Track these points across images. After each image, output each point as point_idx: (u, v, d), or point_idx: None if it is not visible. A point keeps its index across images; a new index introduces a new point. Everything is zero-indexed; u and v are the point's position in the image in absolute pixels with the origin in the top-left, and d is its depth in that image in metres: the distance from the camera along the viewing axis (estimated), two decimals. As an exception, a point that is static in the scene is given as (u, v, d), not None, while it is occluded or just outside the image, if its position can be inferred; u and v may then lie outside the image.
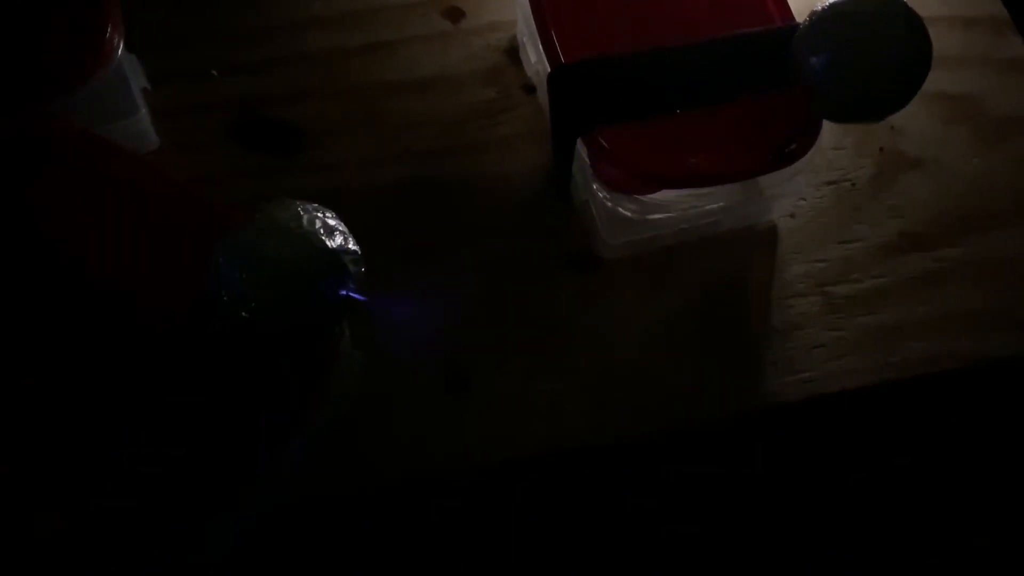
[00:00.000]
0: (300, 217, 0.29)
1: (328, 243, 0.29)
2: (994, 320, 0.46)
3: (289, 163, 0.48)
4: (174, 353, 0.32)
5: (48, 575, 0.32)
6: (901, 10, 0.37)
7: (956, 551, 0.51)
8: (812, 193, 0.49)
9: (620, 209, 0.44)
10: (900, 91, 0.37)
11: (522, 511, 0.45)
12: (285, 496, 0.38)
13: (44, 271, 0.35)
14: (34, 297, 0.35)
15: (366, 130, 0.49)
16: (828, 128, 0.50)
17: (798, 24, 0.39)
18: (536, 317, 0.45)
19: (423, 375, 0.43)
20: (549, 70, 0.42)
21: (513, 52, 0.51)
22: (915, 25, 0.37)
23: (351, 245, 0.30)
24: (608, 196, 0.43)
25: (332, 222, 0.30)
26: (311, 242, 0.28)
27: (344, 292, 0.29)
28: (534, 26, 0.45)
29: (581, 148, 0.44)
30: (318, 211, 0.30)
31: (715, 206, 0.45)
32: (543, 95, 0.49)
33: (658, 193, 0.42)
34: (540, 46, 0.44)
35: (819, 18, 0.37)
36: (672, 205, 0.44)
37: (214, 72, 0.50)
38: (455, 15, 0.52)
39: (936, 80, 0.52)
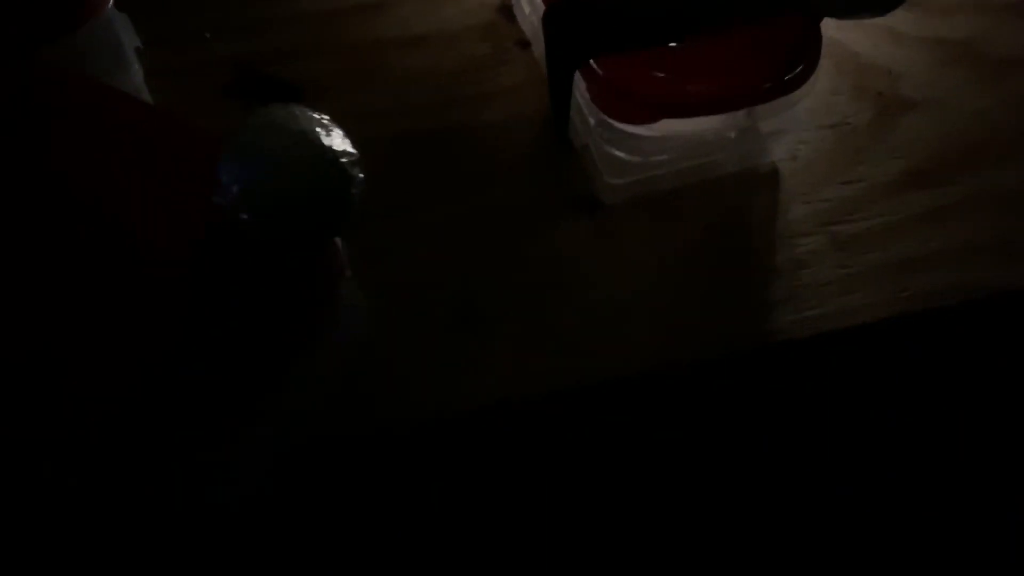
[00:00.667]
0: (298, 118, 0.28)
1: (327, 143, 0.28)
2: (1003, 252, 0.46)
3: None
4: (182, 283, 0.32)
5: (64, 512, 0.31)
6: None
7: (967, 482, 0.50)
8: (812, 136, 0.49)
9: (619, 150, 0.43)
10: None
11: (529, 449, 0.44)
12: (300, 433, 0.37)
13: (45, 209, 0.34)
14: (38, 235, 0.34)
15: (363, 85, 0.49)
16: (826, 73, 0.50)
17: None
18: (542, 258, 0.44)
19: (431, 315, 0.42)
20: (544, 9, 0.42)
21: (507, 9, 0.51)
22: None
23: (350, 148, 0.29)
24: (608, 137, 0.43)
25: (332, 127, 0.29)
26: (310, 140, 0.28)
27: (344, 193, 0.28)
28: (527, -26, 0.45)
29: (580, 91, 0.43)
30: (317, 115, 0.29)
31: (713, 143, 0.44)
32: (538, 49, 0.49)
33: (657, 129, 0.42)
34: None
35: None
36: (670, 143, 0.44)
37: (207, 34, 0.49)
38: (448, -24, 0.52)
39: (932, 26, 0.53)
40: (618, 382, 0.41)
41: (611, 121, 0.42)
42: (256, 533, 0.39)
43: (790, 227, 0.46)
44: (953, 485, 0.50)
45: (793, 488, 0.48)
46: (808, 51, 0.41)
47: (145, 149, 0.34)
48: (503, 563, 0.46)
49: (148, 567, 0.33)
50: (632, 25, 0.40)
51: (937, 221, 0.47)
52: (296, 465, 0.38)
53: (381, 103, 0.48)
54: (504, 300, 0.43)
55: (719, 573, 0.48)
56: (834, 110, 0.50)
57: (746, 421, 0.46)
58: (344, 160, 0.29)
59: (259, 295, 0.32)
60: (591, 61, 0.40)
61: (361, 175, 0.29)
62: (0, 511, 0.31)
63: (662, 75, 0.40)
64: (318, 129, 0.29)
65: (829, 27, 0.51)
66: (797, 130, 0.46)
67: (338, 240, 0.37)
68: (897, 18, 0.52)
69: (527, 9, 0.48)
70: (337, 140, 0.29)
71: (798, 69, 0.41)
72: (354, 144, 0.31)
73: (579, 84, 0.43)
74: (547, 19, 0.42)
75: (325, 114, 0.30)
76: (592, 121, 0.43)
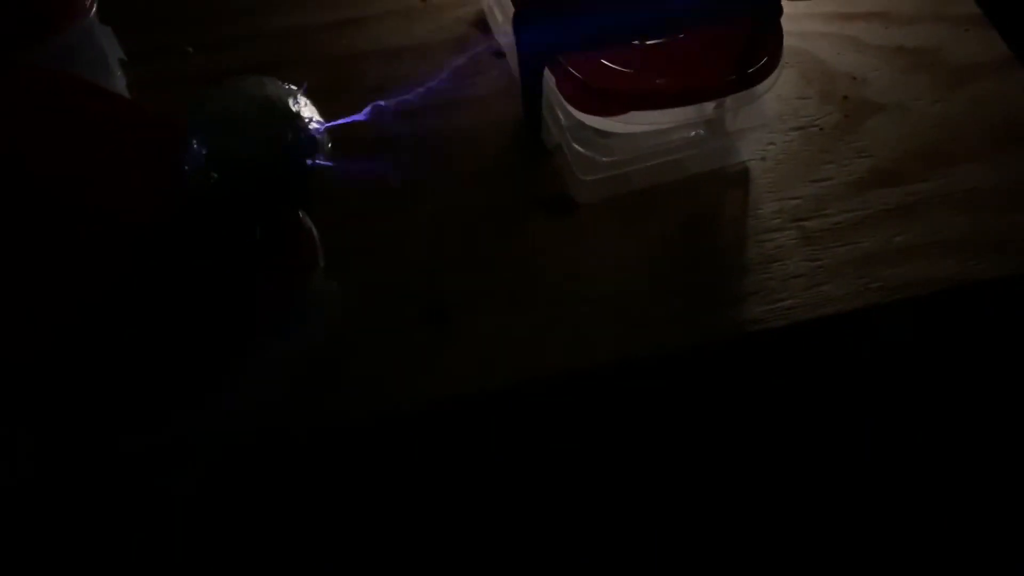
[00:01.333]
0: (266, 86, 0.29)
1: (295, 109, 0.29)
2: (966, 246, 0.47)
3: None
4: (159, 253, 0.32)
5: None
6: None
7: (935, 463, 0.50)
8: (781, 138, 0.50)
9: (591, 149, 0.44)
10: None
11: (501, 441, 0.44)
12: (264, 419, 0.37)
13: (32, 191, 0.35)
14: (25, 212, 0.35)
15: (340, 94, 0.49)
16: (793, 80, 0.52)
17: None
18: (516, 256, 0.45)
19: (402, 312, 0.43)
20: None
21: (481, 23, 0.53)
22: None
23: (317, 117, 0.30)
24: (580, 136, 0.44)
25: (300, 96, 0.30)
26: (278, 105, 0.29)
27: (311, 159, 0.29)
28: (499, -15, 0.46)
29: (552, 93, 0.45)
30: (286, 85, 0.30)
31: (682, 141, 0.45)
32: (511, 57, 0.50)
33: (627, 125, 0.43)
34: (505, 0, 0.45)
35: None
36: (641, 140, 0.45)
37: (189, 48, 0.51)
38: (423, -6, 0.54)
39: (894, 35, 0.54)
40: (589, 373, 0.42)
41: (583, 121, 0.43)
42: (216, 522, 0.39)
43: (761, 223, 0.47)
44: (922, 466, 0.50)
45: (769, 471, 0.48)
46: (770, 46, 0.43)
47: (119, 135, 0.35)
48: (469, 552, 0.46)
49: (105, 553, 0.33)
50: (597, 25, 0.42)
51: (901, 217, 0.48)
52: (257, 455, 0.38)
53: (356, 110, 0.49)
54: (475, 297, 0.43)
55: (691, 560, 0.48)
56: (801, 113, 0.51)
57: (721, 408, 0.47)
58: (312, 126, 0.29)
59: (231, 270, 0.33)
60: (560, 57, 0.42)
61: (329, 144, 0.30)
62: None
63: (630, 69, 0.42)
64: (287, 97, 0.29)
65: (796, 37, 0.53)
66: (764, 128, 0.48)
67: (313, 230, 0.37)
68: (860, 28, 0.55)
69: (500, 19, 0.50)
70: (305, 108, 0.30)
71: (760, 63, 0.42)
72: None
73: (551, 86, 0.44)
74: (517, 20, 0.43)
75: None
76: (564, 121, 0.45)
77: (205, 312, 0.33)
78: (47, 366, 0.32)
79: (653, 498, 0.47)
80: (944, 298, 0.46)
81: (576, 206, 0.47)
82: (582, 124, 0.44)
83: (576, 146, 0.45)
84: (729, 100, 0.43)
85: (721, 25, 0.43)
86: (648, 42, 0.42)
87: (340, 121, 0.31)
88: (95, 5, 0.44)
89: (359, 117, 0.31)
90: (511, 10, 0.45)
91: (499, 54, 0.52)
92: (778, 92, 0.50)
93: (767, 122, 0.47)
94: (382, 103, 0.44)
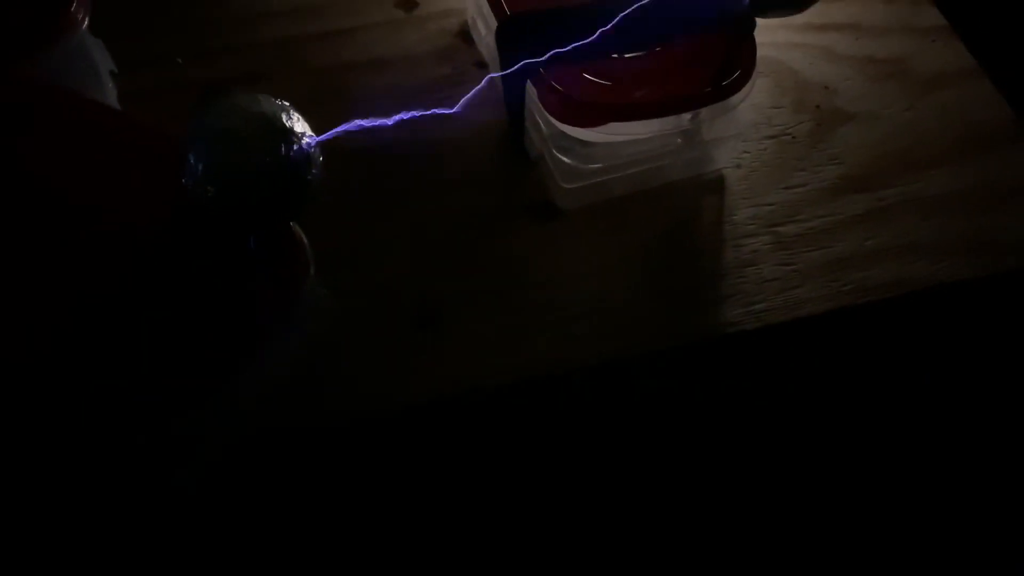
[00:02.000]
0: (260, 101, 0.30)
1: (288, 124, 0.30)
2: (934, 249, 0.49)
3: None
4: (155, 261, 0.33)
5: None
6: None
7: (912, 466, 0.52)
8: (755, 146, 0.52)
9: (572, 157, 0.46)
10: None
11: (490, 442, 0.45)
12: (257, 421, 0.38)
13: (29, 202, 0.36)
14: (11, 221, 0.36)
15: (327, 104, 0.51)
16: (767, 89, 0.54)
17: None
18: (499, 262, 0.46)
19: (391, 316, 0.44)
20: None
21: (465, 34, 0.54)
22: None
23: (309, 131, 0.31)
24: (561, 145, 0.46)
25: (293, 111, 0.31)
26: (272, 121, 0.30)
27: (304, 173, 0.30)
28: (483, -1, 0.48)
29: (534, 104, 0.46)
30: (279, 100, 0.31)
31: (661, 150, 0.47)
32: (495, 68, 0.51)
33: (607, 135, 0.45)
34: (488, 12, 0.47)
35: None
36: (620, 149, 0.46)
37: (179, 59, 0.52)
38: (408, 4, 0.55)
39: (865, 46, 0.56)
40: (572, 375, 0.43)
41: (564, 130, 0.45)
42: (210, 522, 0.40)
43: (736, 229, 0.49)
44: (896, 466, 0.52)
45: (748, 471, 0.50)
46: (743, 58, 0.44)
47: (114, 146, 0.36)
48: (461, 553, 0.47)
49: (95, 548, 0.34)
50: (577, 38, 0.43)
51: (873, 221, 0.49)
52: (253, 454, 0.39)
53: (342, 120, 0.50)
54: (461, 302, 0.45)
55: (675, 561, 0.49)
56: (775, 122, 0.53)
57: (700, 408, 0.48)
58: (304, 141, 0.31)
59: (225, 280, 0.34)
60: (542, 70, 0.43)
61: (320, 157, 0.31)
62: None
63: (609, 82, 0.43)
64: (280, 112, 0.31)
65: (770, 47, 0.55)
66: (739, 137, 0.49)
67: (304, 239, 0.39)
68: (833, 38, 0.56)
69: (483, 30, 0.51)
70: (298, 123, 0.31)
71: (734, 75, 0.44)
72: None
73: (533, 97, 0.46)
74: (500, 32, 0.45)
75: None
76: (547, 131, 0.46)
77: (198, 320, 0.34)
78: (40, 372, 0.33)
79: (636, 498, 0.49)
80: (914, 300, 0.47)
81: (559, 212, 0.48)
82: (563, 134, 0.45)
83: (558, 155, 0.46)
84: (705, 111, 0.45)
85: (697, 38, 0.44)
86: (626, 55, 0.44)
87: (330, 134, 0.33)
88: (87, 19, 0.44)
89: (347, 127, 0.33)
90: (494, 23, 0.46)
91: (483, 65, 0.53)
92: (753, 101, 0.52)
93: (742, 131, 0.49)
94: (366, 116, 0.45)
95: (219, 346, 0.35)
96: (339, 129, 0.32)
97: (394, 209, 0.47)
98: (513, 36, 0.44)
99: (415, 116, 0.36)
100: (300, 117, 0.31)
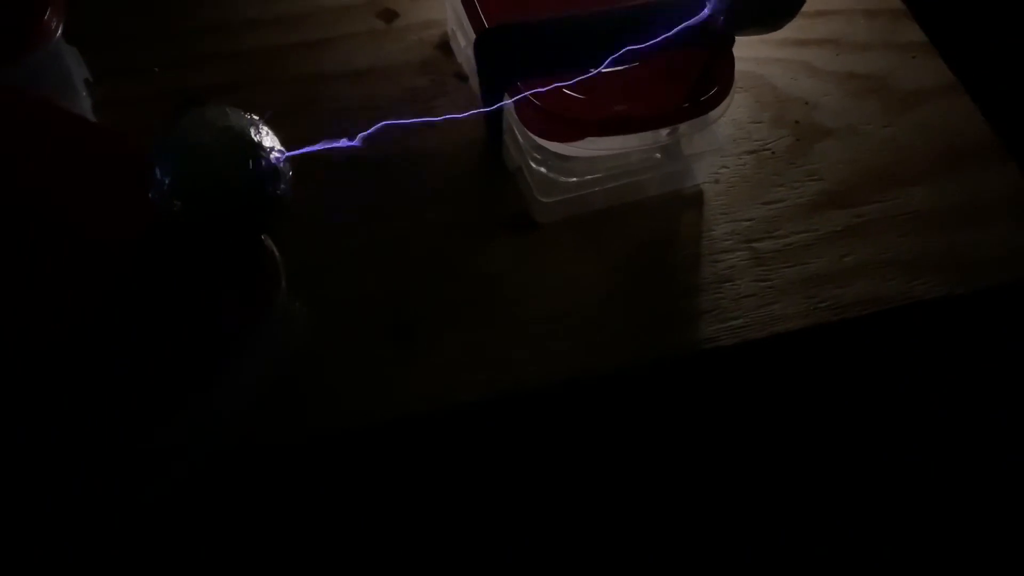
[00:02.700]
0: (229, 116, 0.30)
1: (257, 138, 0.30)
2: (912, 266, 0.49)
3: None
4: (119, 275, 0.33)
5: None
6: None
7: (887, 481, 0.52)
8: (734, 161, 0.51)
9: (550, 170, 0.46)
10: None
11: (465, 457, 0.45)
12: (231, 435, 0.38)
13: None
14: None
15: (305, 114, 0.51)
16: (747, 104, 0.54)
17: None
18: (475, 276, 0.46)
19: (366, 329, 0.44)
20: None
21: (445, 46, 0.54)
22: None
23: (278, 146, 0.31)
24: (539, 158, 0.45)
25: (262, 125, 0.31)
26: (240, 135, 0.30)
27: (272, 187, 0.30)
28: (462, 11, 0.47)
29: (512, 116, 0.46)
30: (248, 114, 0.31)
31: (639, 164, 0.47)
32: (474, 81, 0.51)
33: (585, 150, 0.44)
34: (468, 25, 0.46)
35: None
36: (599, 163, 0.46)
37: (156, 68, 0.51)
38: (388, 16, 0.55)
39: (845, 61, 0.56)
40: (547, 390, 0.43)
41: (542, 143, 0.45)
42: (183, 537, 0.39)
43: (714, 244, 0.49)
44: (871, 480, 0.52)
45: (724, 485, 0.50)
46: (722, 74, 0.44)
47: (85, 155, 0.36)
48: (434, 567, 0.47)
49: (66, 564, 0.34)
50: (555, 51, 0.43)
51: (851, 238, 0.49)
52: (226, 469, 0.39)
53: (320, 131, 0.50)
54: (437, 315, 0.45)
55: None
56: (755, 137, 0.53)
57: (675, 424, 0.48)
58: (273, 155, 0.30)
59: (194, 292, 0.33)
60: (520, 84, 0.43)
61: (290, 172, 0.31)
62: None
63: (587, 97, 0.43)
64: (249, 127, 0.30)
65: (749, 62, 0.55)
66: (718, 152, 0.49)
67: (276, 252, 0.38)
68: (813, 53, 0.56)
69: (463, 43, 0.51)
70: (267, 138, 0.31)
71: (712, 91, 0.44)
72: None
73: (511, 110, 0.45)
74: (478, 44, 0.44)
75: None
76: (524, 144, 0.46)
77: (166, 333, 0.34)
78: (7, 386, 0.32)
79: (613, 513, 0.48)
80: (890, 317, 0.47)
81: (536, 226, 0.48)
82: (541, 147, 0.45)
83: (536, 168, 0.46)
84: (684, 125, 0.45)
85: (675, 54, 0.44)
86: (605, 70, 0.43)
87: (298, 152, 0.32)
88: (60, 27, 0.44)
89: (321, 147, 0.32)
90: (473, 35, 0.46)
91: (462, 76, 0.53)
92: (732, 116, 0.52)
93: (720, 146, 0.48)
94: (343, 128, 0.45)
95: (187, 360, 0.35)
96: (307, 149, 0.32)
97: (370, 222, 0.47)
98: (491, 49, 0.44)
99: (379, 129, 0.35)
100: (270, 131, 0.31)
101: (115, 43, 0.51)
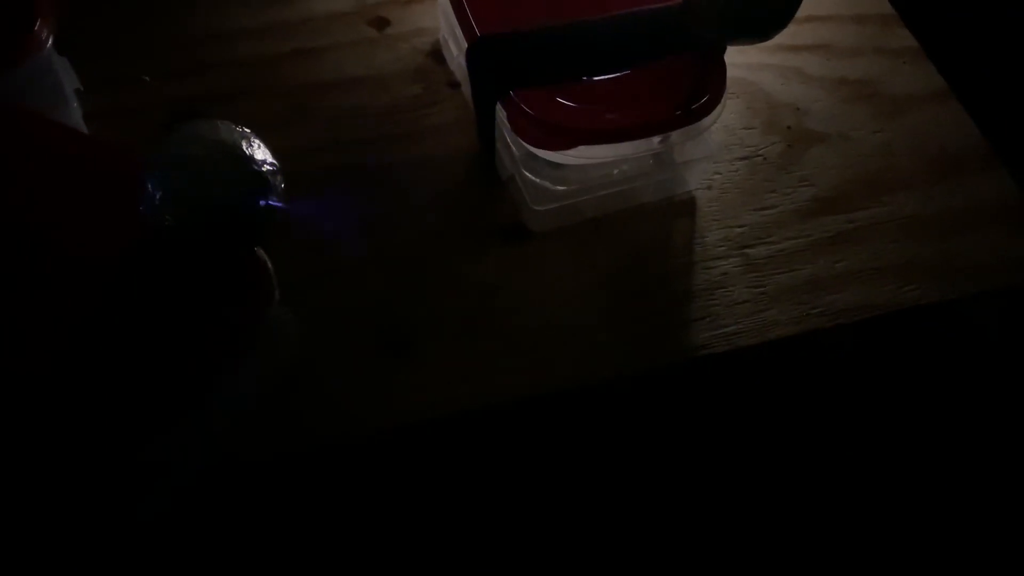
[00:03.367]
0: (220, 130, 0.30)
1: (249, 152, 0.30)
2: (904, 271, 0.49)
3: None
4: (111, 288, 0.33)
5: None
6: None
7: (870, 482, 0.52)
8: (726, 167, 0.52)
9: (543, 178, 0.46)
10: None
11: (460, 466, 0.45)
12: (226, 447, 0.38)
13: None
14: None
15: (297, 124, 0.51)
16: (739, 111, 0.54)
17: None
18: (471, 283, 0.46)
19: (361, 339, 0.44)
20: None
21: (437, 54, 0.54)
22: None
23: (270, 159, 0.31)
24: (532, 166, 0.45)
25: (254, 139, 0.31)
26: (232, 149, 0.30)
27: (264, 201, 0.30)
28: (454, 19, 0.47)
29: (505, 125, 0.46)
30: (240, 127, 0.31)
31: (631, 172, 0.47)
32: (467, 89, 0.51)
33: (577, 158, 0.44)
34: (460, 33, 0.46)
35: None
36: (591, 171, 0.46)
37: (147, 78, 0.51)
38: (380, 24, 0.55)
39: (837, 67, 0.56)
40: (542, 399, 0.43)
41: (535, 151, 0.45)
42: (186, 546, 0.39)
43: (707, 251, 0.49)
44: (865, 486, 0.52)
45: (718, 492, 0.50)
46: (712, 83, 0.44)
47: (76, 169, 0.36)
48: (430, 573, 0.46)
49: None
50: (547, 59, 0.43)
51: (843, 243, 0.49)
52: (222, 481, 0.38)
53: (313, 140, 0.50)
54: (431, 325, 0.44)
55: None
56: (747, 143, 0.53)
57: (669, 431, 0.48)
58: (264, 168, 0.30)
59: (187, 307, 0.33)
60: (512, 93, 0.43)
61: (282, 185, 0.31)
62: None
63: (579, 105, 0.43)
64: (240, 140, 0.30)
65: (741, 68, 0.55)
66: (710, 159, 0.49)
67: (269, 264, 0.38)
68: (804, 59, 0.56)
69: (455, 51, 0.51)
70: (259, 151, 0.31)
71: (703, 99, 0.44)
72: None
73: (504, 119, 0.45)
74: (471, 53, 0.44)
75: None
76: (517, 152, 0.46)
77: (162, 346, 0.34)
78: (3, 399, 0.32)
79: (608, 520, 0.48)
80: (883, 323, 0.47)
81: (529, 234, 0.48)
82: (534, 156, 0.45)
83: (529, 176, 0.46)
84: (676, 133, 0.45)
85: (667, 62, 0.44)
86: (597, 78, 0.44)
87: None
88: (51, 38, 0.44)
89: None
90: (465, 43, 0.46)
91: (454, 84, 0.53)
92: (724, 123, 0.52)
93: (712, 153, 0.49)
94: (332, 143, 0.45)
95: (181, 372, 0.35)
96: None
97: (364, 232, 0.47)
98: (484, 57, 0.44)
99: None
100: (261, 144, 0.31)
101: (106, 53, 0.51)
